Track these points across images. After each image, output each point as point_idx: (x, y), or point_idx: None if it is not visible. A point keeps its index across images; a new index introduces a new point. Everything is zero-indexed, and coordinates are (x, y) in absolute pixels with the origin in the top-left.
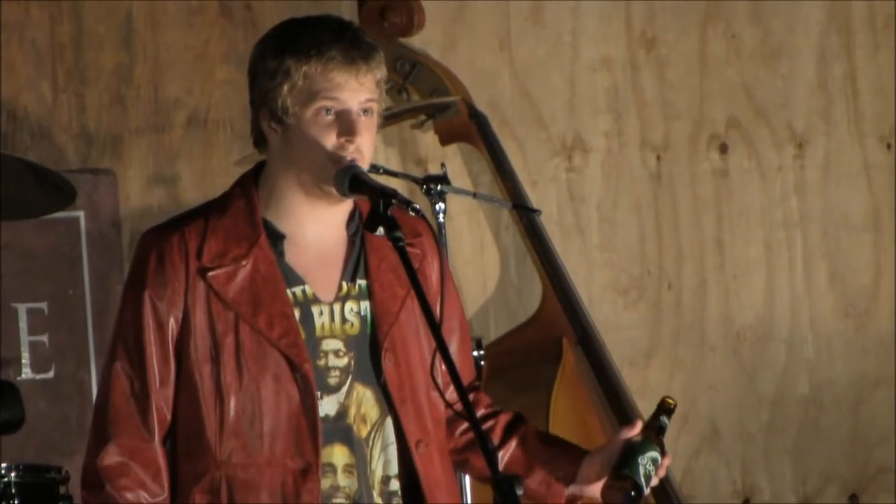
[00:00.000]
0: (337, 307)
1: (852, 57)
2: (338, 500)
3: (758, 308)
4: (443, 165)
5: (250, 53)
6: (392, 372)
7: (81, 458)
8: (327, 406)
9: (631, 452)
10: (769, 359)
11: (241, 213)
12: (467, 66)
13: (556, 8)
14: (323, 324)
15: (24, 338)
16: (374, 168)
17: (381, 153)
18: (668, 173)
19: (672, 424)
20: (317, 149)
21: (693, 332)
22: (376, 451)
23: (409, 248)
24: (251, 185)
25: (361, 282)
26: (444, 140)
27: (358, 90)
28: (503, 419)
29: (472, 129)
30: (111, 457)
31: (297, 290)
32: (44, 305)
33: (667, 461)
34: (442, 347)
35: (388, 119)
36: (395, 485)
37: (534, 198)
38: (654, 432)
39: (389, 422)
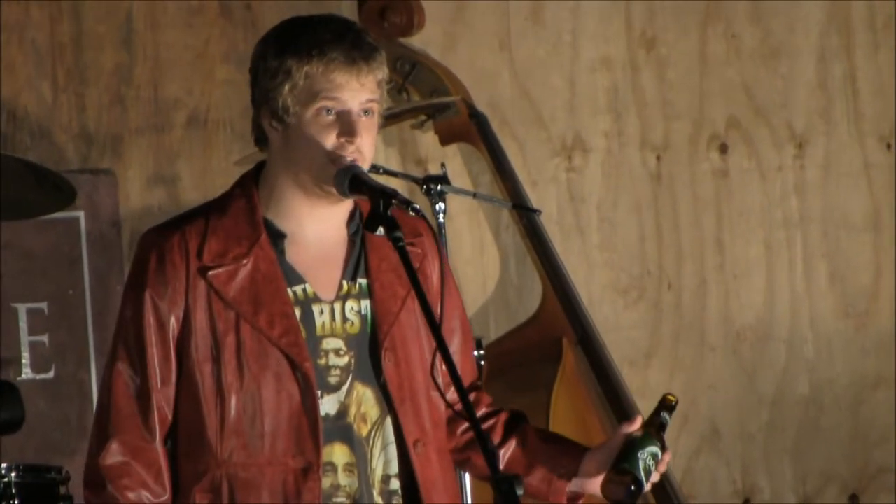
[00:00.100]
0: (337, 306)
1: (852, 57)
2: (338, 499)
3: (758, 308)
4: (443, 165)
5: (251, 53)
6: (392, 371)
7: (82, 459)
8: (328, 405)
9: (631, 447)
10: (769, 359)
11: (242, 213)
12: (467, 66)
13: (556, 8)
14: (323, 323)
15: (24, 338)
16: (374, 168)
17: (381, 153)
18: (668, 173)
19: (672, 424)
20: (317, 148)
21: (693, 332)
22: (376, 451)
23: (409, 248)
24: (251, 184)
25: (362, 281)
26: (444, 140)
27: (359, 91)
28: (503, 417)
29: (472, 129)
30: (113, 456)
31: (298, 289)
32: (44, 305)
33: (667, 457)
34: (442, 347)
35: (389, 119)
36: (395, 484)
37: (534, 198)
38: (655, 428)
39: (389, 421)
